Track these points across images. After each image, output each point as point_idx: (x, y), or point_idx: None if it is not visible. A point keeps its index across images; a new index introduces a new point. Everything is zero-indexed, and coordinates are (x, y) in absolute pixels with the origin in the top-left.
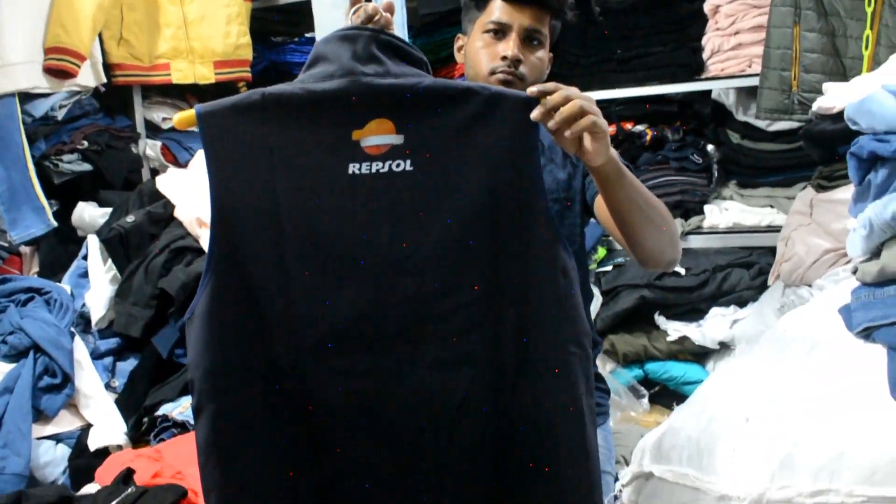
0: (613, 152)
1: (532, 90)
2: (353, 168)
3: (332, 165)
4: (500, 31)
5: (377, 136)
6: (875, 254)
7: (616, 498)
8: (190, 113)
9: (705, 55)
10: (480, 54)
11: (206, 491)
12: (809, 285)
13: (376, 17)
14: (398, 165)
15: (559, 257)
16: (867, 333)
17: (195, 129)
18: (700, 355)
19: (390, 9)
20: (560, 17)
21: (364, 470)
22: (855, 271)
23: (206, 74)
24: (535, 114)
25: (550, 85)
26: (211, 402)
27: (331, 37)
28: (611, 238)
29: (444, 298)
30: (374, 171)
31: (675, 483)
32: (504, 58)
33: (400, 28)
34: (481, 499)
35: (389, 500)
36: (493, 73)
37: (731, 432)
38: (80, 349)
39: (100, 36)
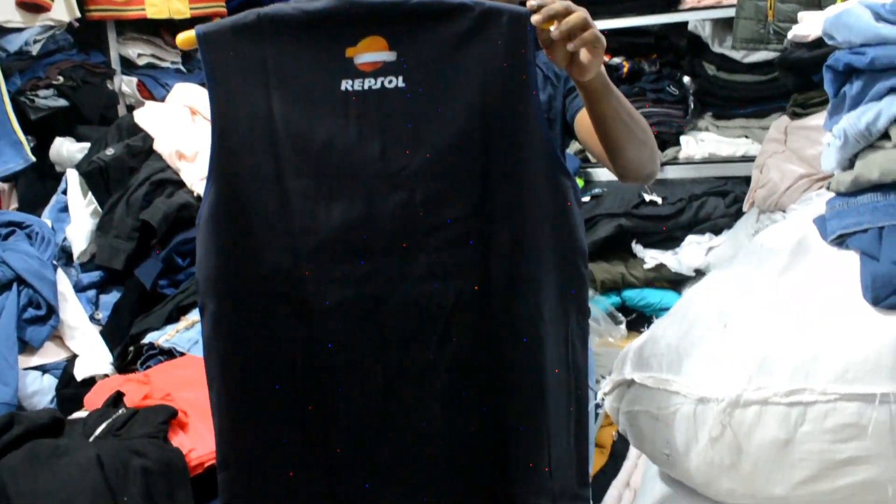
0: (603, 68)
1: (531, 3)
2: (345, 84)
3: (326, 82)
4: None
5: (370, 53)
6: (849, 165)
7: (598, 406)
8: (191, 34)
9: None
10: None
11: (210, 381)
12: (783, 211)
13: None
14: (390, 82)
15: (556, 175)
16: (841, 241)
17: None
18: (676, 282)
19: None
20: None
21: (356, 372)
22: (829, 186)
23: (180, 9)
24: (535, 17)
25: (555, 5)
26: (212, 302)
27: None
28: (589, 169)
29: (435, 212)
30: (366, 87)
31: (655, 388)
32: None
33: None
34: (467, 414)
35: (379, 406)
36: None
37: (710, 339)
38: (63, 281)
39: None
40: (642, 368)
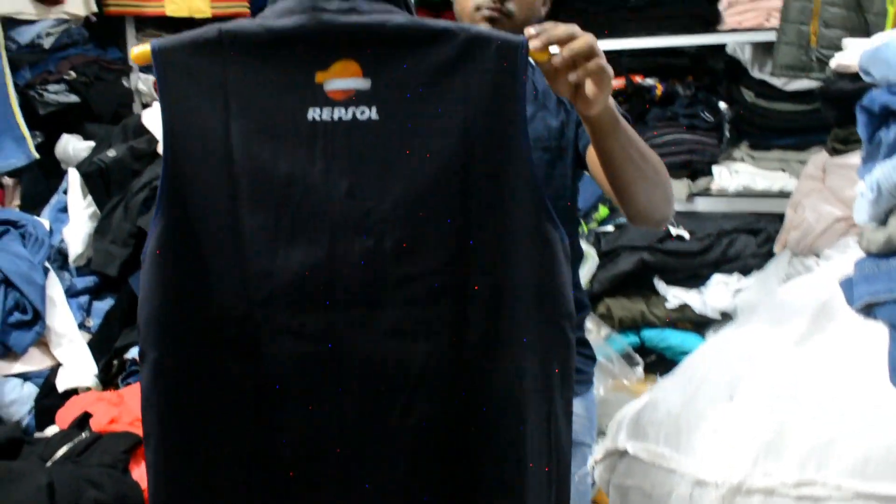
0: (612, 102)
1: (529, 30)
2: (313, 113)
3: (291, 109)
4: None
5: (342, 78)
6: (882, 221)
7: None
8: (146, 48)
9: (721, 6)
10: None
11: (146, 437)
12: (818, 255)
13: None
14: (363, 113)
15: (542, 226)
16: (868, 309)
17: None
18: (700, 324)
19: None
20: None
21: (308, 438)
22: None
23: (201, 8)
24: (534, 43)
25: (550, 24)
26: (152, 349)
27: None
28: None
29: (406, 262)
30: (335, 117)
31: (650, 463)
32: None
33: None
34: (435, 482)
35: (335, 476)
36: (477, 8)
37: (715, 410)
38: (55, 286)
39: None
40: (638, 437)
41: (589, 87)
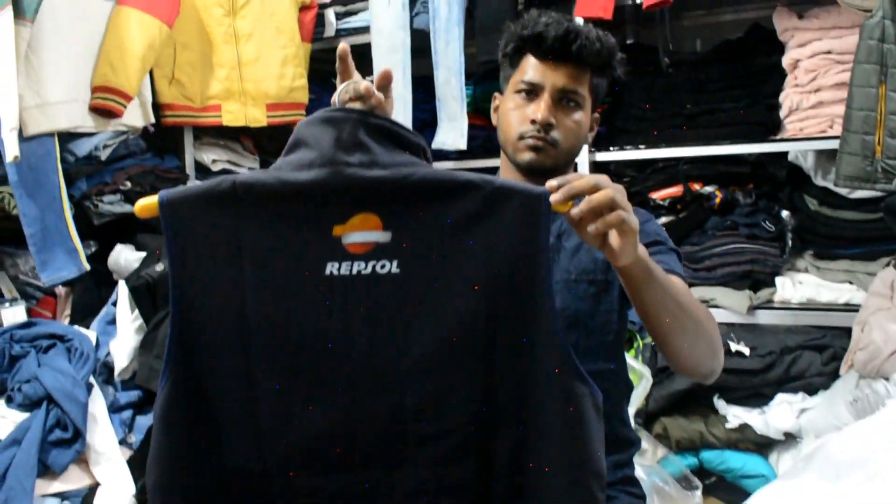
0: (642, 250)
1: (551, 183)
2: (331, 267)
3: (308, 264)
4: (531, 92)
5: (361, 231)
6: None
7: None
8: (152, 200)
9: (782, 113)
10: (511, 116)
11: None
12: (887, 379)
13: (368, 97)
14: (383, 267)
15: (568, 383)
16: None
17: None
18: (763, 446)
19: (385, 84)
20: (605, 75)
21: None
22: None
23: (257, 117)
24: (555, 197)
25: (573, 175)
26: None
27: (313, 118)
28: None
29: (428, 420)
30: (355, 272)
31: None
32: (533, 121)
33: (457, 76)
34: None
35: None
36: (521, 137)
37: None
38: (98, 402)
39: (151, 75)
40: None
41: (612, 237)
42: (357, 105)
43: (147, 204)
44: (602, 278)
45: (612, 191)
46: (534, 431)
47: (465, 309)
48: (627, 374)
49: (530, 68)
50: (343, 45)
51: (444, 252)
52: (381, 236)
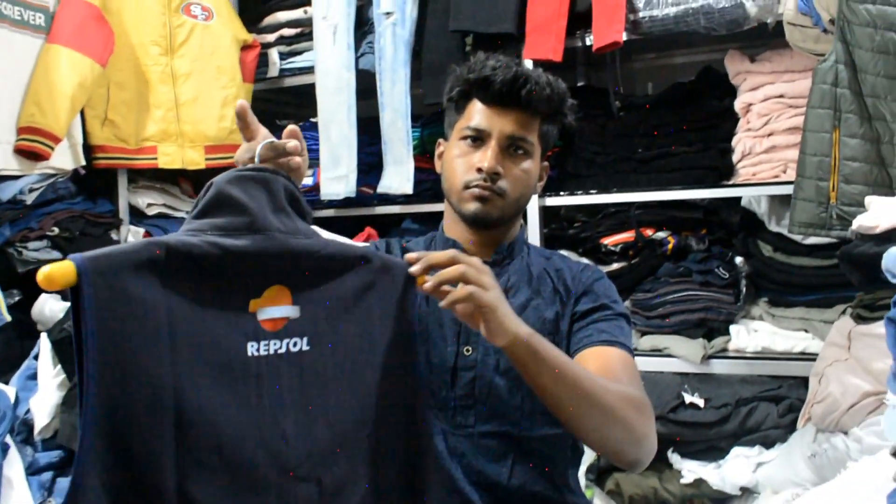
0: (526, 331)
1: (409, 256)
2: (251, 349)
3: (232, 345)
4: (477, 139)
5: (274, 306)
6: None
7: None
8: (67, 267)
9: (735, 157)
10: (455, 164)
11: None
12: (845, 433)
13: (296, 153)
14: (295, 344)
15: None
16: None
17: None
18: (719, 501)
19: (297, 149)
20: (555, 122)
21: None
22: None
23: (195, 159)
24: (413, 269)
25: (434, 253)
26: None
27: (237, 176)
28: None
29: (344, 498)
30: (272, 351)
31: None
32: (479, 170)
33: (403, 117)
34: None
35: None
36: (467, 186)
37: None
38: (14, 464)
39: (83, 115)
40: None
41: (461, 311)
42: (269, 164)
43: (58, 271)
44: (551, 338)
45: (465, 266)
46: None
47: (363, 380)
48: (575, 439)
49: (477, 114)
50: (241, 103)
51: (343, 323)
52: (292, 311)
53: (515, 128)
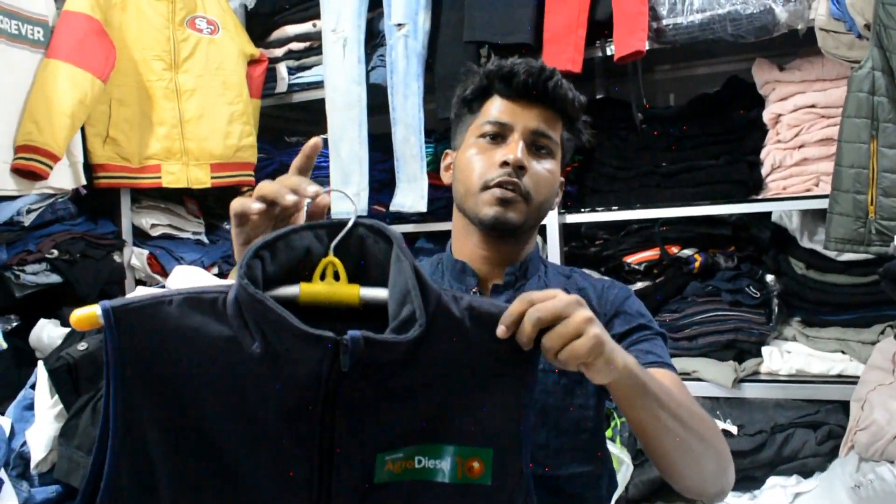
0: (629, 360)
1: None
2: None
3: None
4: (499, 135)
5: None
6: None
7: None
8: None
9: (764, 171)
10: (473, 163)
11: None
12: (892, 462)
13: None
14: None
15: None
16: None
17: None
18: None
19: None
20: (573, 131)
21: None
22: None
23: (200, 178)
24: (499, 331)
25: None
26: None
27: None
28: None
29: None
30: None
31: None
32: (504, 164)
33: (417, 133)
34: None
35: None
36: (486, 187)
37: None
38: (8, 501)
39: (83, 133)
40: None
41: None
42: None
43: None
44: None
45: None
46: None
47: None
48: (611, 472)
49: (497, 109)
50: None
51: None
52: None
53: (540, 123)
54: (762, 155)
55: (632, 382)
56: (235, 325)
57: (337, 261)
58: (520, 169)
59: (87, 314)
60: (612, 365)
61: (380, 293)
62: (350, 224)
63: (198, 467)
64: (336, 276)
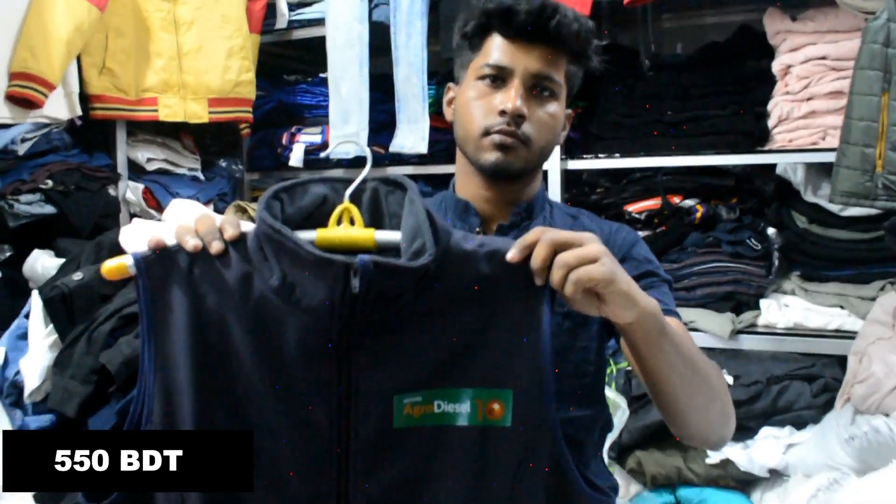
0: (651, 303)
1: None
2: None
3: None
4: (498, 78)
5: None
6: None
7: None
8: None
9: (771, 122)
10: (472, 108)
11: None
12: (888, 415)
13: None
14: None
15: None
16: None
17: None
18: (745, 483)
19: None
20: (581, 63)
21: None
22: None
23: (198, 112)
24: (510, 254)
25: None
26: None
27: None
28: None
29: None
30: None
31: None
32: (503, 112)
33: (419, 73)
34: None
35: None
36: (486, 133)
37: None
38: (2, 428)
39: (79, 63)
40: None
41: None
42: None
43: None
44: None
45: (549, 241)
46: None
47: None
48: (608, 417)
49: (496, 50)
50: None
51: None
52: None
53: (541, 65)
54: (769, 106)
55: (653, 322)
56: (255, 260)
57: (353, 207)
58: (519, 117)
59: (118, 265)
60: (633, 302)
61: (394, 235)
62: (367, 169)
63: (221, 408)
64: (352, 223)
